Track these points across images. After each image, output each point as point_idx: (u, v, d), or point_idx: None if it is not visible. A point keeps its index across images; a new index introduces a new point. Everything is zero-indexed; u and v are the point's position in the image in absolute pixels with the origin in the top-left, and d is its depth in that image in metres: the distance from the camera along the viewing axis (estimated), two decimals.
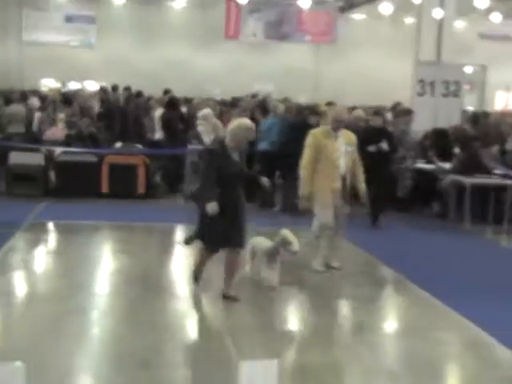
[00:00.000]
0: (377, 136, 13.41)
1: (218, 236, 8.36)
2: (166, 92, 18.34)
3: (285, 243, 8.88)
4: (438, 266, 10.47)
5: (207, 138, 13.82)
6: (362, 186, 10.19)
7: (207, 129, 13.97)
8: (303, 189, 10.02)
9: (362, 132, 12.74)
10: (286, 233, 8.92)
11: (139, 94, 19.46)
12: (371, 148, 12.82)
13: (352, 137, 10.19)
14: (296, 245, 8.83)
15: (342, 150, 9.93)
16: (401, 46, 28.90)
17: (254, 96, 19.28)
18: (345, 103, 19.42)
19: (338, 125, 10.00)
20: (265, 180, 8.86)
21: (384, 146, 13.19)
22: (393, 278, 10.14)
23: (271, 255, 9.05)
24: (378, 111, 15.41)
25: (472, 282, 10.07)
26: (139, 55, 30.54)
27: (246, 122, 8.67)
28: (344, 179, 10.04)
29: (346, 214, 10.24)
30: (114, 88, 20.64)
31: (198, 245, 9.17)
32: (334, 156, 9.88)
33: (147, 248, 11.19)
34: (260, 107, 16.63)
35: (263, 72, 30.25)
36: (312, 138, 10.03)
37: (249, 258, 9.39)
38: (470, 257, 11.78)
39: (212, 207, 8.07)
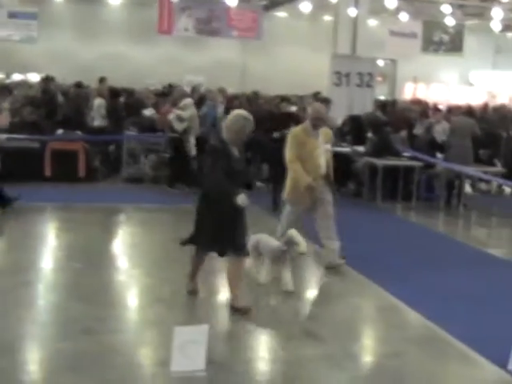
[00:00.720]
0: (286, 121, 12.35)
1: (207, 236, 7.29)
2: (102, 80, 18.09)
3: (291, 244, 8.05)
4: (353, 240, 10.58)
5: (179, 126, 13.80)
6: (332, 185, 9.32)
7: (186, 116, 14.10)
8: (305, 179, 8.85)
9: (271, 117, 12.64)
10: (293, 233, 8.08)
11: (79, 85, 19.21)
12: (275, 134, 12.16)
13: (329, 134, 9.38)
14: (303, 246, 8.02)
15: (322, 148, 9.06)
16: (319, 41, 29.03)
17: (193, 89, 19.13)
18: (269, 93, 19.49)
19: (318, 122, 9.04)
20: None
21: None
22: (312, 251, 10.22)
23: (278, 256, 8.20)
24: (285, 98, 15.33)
25: (384, 253, 10.24)
26: (79, 49, 30.12)
27: (242, 113, 7.41)
28: (326, 177, 9.19)
29: (329, 214, 9.20)
30: (50, 79, 20.24)
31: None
32: (315, 155, 8.97)
33: (88, 226, 11.08)
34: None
35: (195, 64, 30.17)
36: (292, 136, 9.08)
37: (252, 255, 8.15)
38: (382, 231, 11.96)
39: (242, 199, 7.00)
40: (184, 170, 14.12)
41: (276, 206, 12.25)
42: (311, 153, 8.95)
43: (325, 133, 9.21)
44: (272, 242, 8.33)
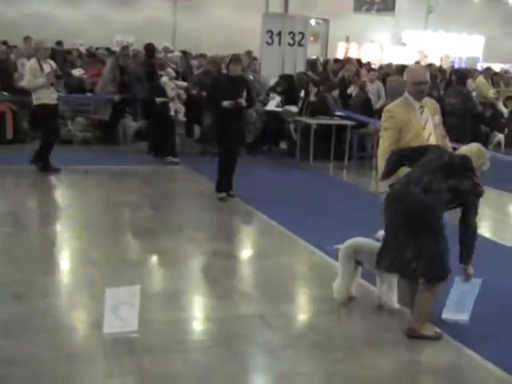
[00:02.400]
0: (237, 87, 10.54)
1: None
2: (26, 39, 17.78)
3: None
4: (285, 200, 10.68)
5: (171, 93, 13.59)
6: None
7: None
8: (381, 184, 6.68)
9: (218, 82, 11.30)
10: None
11: (4, 43, 18.83)
12: (226, 104, 10.24)
13: (435, 104, 7.16)
14: None
15: (430, 124, 6.88)
16: (252, 0, 29.00)
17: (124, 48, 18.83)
18: (201, 51, 19.33)
19: (422, 88, 6.85)
20: None
21: (243, 102, 10.45)
22: (244, 210, 10.28)
23: None
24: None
25: (316, 212, 10.31)
26: (2, 8, 29.33)
27: None
28: None
29: None
30: None
31: None
32: (423, 135, 6.75)
33: (17, 189, 10.94)
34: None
35: (125, 24, 29.69)
36: (388, 117, 6.87)
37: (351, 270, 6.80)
38: (315, 190, 12.02)
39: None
40: (170, 139, 13.95)
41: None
42: (418, 134, 6.76)
43: (429, 103, 7.07)
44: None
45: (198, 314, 6.55)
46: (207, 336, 6.02)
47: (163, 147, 13.74)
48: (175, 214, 10.08)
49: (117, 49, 21.01)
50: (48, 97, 11.52)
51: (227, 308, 6.50)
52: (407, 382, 5.42)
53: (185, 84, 14.48)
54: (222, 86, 10.40)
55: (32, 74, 11.45)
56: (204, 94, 13.43)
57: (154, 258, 8.27)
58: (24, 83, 12.02)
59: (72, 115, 15.23)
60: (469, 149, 6.22)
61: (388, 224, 6.04)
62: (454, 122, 14.74)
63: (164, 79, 13.61)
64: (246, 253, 8.84)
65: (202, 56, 17.40)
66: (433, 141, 6.75)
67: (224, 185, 10.58)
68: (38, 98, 11.59)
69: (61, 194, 11.11)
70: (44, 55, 11.66)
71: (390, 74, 16.75)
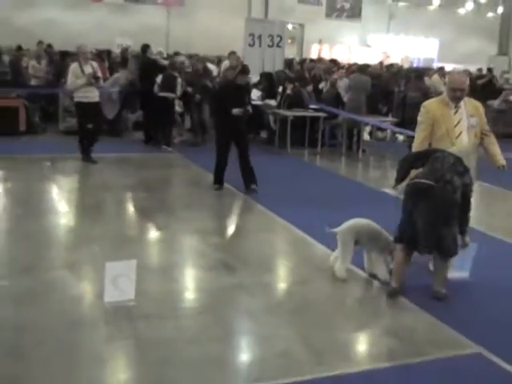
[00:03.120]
0: (243, 95, 10.26)
1: None
2: (39, 43, 17.69)
3: None
4: (265, 181, 10.58)
5: (179, 91, 13.72)
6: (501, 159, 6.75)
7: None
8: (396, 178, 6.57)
9: (227, 89, 10.46)
10: None
11: (20, 48, 18.71)
12: (236, 111, 9.81)
13: (477, 106, 6.80)
14: None
15: (464, 124, 6.60)
16: (236, 7, 28.84)
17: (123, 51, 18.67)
18: (191, 52, 19.18)
19: (458, 94, 6.57)
20: None
21: (250, 109, 10.33)
22: (229, 192, 10.16)
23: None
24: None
25: (294, 193, 10.28)
26: (15, 15, 28.90)
27: None
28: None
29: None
30: None
31: None
32: (453, 133, 6.54)
33: (29, 175, 10.78)
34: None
35: (123, 29, 29.41)
36: (424, 111, 6.79)
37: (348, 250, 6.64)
38: (291, 174, 11.97)
39: None
40: (169, 130, 14.00)
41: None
42: (448, 132, 6.58)
43: (472, 105, 6.76)
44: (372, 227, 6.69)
45: (188, 284, 6.51)
46: (197, 304, 5.98)
47: (162, 137, 13.76)
48: (169, 196, 10.01)
49: (117, 51, 20.84)
50: (84, 96, 11.30)
51: (214, 279, 6.44)
52: (373, 343, 5.38)
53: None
54: (230, 93, 9.99)
55: (74, 75, 11.26)
56: (189, 89, 13.70)
57: (150, 235, 8.19)
58: (67, 84, 11.74)
59: None
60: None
61: (421, 214, 6.03)
62: (414, 112, 14.75)
63: (179, 80, 13.66)
64: (231, 230, 8.76)
65: (193, 56, 17.30)
66: (464, 139, 6.56)
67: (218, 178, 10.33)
68: (76, 97, 11.48)
69: (67, 180, 10.95)
70: (84, 57, 11.42)
71: (354, 72, 16.74)
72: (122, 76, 14.61)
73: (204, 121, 14.24)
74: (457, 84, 6.61)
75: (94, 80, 11.29)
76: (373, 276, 6.61)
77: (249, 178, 10.02)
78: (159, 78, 13.50)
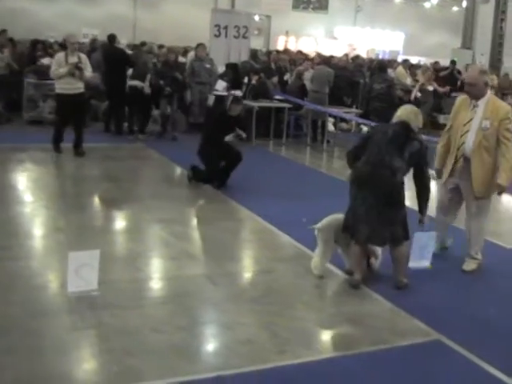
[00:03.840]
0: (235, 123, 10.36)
1: None
2: (2, 32, 17.38)
3: None
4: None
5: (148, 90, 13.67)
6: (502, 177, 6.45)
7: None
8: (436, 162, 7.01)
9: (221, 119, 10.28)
10: None
11: None
12: (228, 138, 9.95)
13: (499, 111, 6.47)
14: None
15: (475, 124, 6.51)
16: None
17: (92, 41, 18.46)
18: (158, 43, 19.07)
19: (469, 89, 6.60)
20: None
21: (243, 134, 10.34)
22: (194, 182, 10.13)
23: None
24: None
25: (259, 184, 10.28)
26: None
27: None
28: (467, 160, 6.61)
29: (473, 211, 6.81)
30: None
31: None
32: (460, 129, 6.59)
33: None
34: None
35: (90, 19, 29.13)
36: (455, 103, 6.91)
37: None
38: (256, 164, 11.87)
39: None
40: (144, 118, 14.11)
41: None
42: (457, 128, 6.66)
43: (493, 108, 6.51)
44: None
45: (152, 273, 6.48)
46: (161, 293, 5.98)
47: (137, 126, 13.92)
48: (134, 186, 9.95)
49: (85, 40, 20.65)
50: (62, 87, 10.97)
51: (178, 268, 6.44)
52: (335, 331, 5.44)
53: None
54: (224, 123, 9.91)
55: (57, 64, 10.95)
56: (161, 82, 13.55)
57: (114, 225, 8.17)
58: (50, 72, 11.35)
59: (43, 98, 14.84)
60: (404, 112, 6.27)
61: (360, 202, 6.05)
62: (377, 104, 14.90)
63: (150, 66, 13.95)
64: (195, 219, 8.74)
65: (162, 47, 17.16)
66: (469, 139, 6.52)
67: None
68: (56, 88, 11.17)
69: (32, 169, 10.81)
70: (72, 48, 11.08)
71: (319, 64, 16.84)
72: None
73: (174, 113, 14.07)
74: (466, 78, 6.76)
75: (76, 71, 10.85)
76: (350, 273, 6.46)
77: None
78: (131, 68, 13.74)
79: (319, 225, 6.39)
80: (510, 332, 5.57)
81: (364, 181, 6.05)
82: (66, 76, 10.86)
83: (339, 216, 6.44)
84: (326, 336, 5.42)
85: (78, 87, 11.05)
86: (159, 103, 14.12)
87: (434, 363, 4.90)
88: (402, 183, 6.11)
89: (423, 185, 6.18)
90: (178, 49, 17.94)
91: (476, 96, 6.56)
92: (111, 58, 14.01)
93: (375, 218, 6.02)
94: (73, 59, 10.94)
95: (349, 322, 5.47)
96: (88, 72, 11.17)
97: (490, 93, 6.68)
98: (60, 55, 11.06)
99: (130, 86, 13.72)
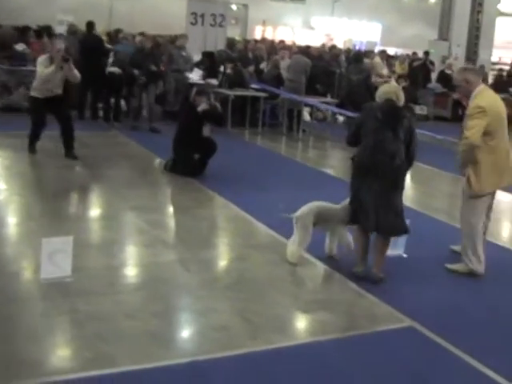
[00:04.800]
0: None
1: None
2: None
3: None
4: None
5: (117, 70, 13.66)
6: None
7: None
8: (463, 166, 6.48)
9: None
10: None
11: None
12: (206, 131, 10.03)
13: (470, 106, 6.33)
14: None
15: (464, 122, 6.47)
16: None
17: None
18: (134, 31, 18.93)
19: (458, 91, 6.78)
20: None
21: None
22: (169, 171, 10.12)
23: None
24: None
25: (234, 172, 10.30)
26: None
27: None
28: None
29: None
30: None
31: None
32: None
33: None
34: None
35: (64, 5, 28.86)
36: (485, 102, 6.27)
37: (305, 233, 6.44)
38: (231, 153, 11.85)
39: None
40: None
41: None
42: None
43: (471, 103, 6.33)
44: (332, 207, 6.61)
45: (126, 260, 6.48)
46: (135, 280, 5.98)
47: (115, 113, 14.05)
48: (109, 173, 9.89)
49: (58, 27, 20.45)
50: (38, 93, 10.20)
51: (152, 255, 6.44)
52: (309, 317, 5.46)
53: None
54: (193, 116, 9.77)
55: (43, 65, 10.06)
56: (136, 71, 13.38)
57: (89, 212, 8.13)
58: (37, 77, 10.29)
59: (16, 85, 14.69)
60: (390, 90, 6.23)
61: (366, 191, 6.02)
62: (354, 94, 14.92)
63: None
64: (169, 206, 8.75)
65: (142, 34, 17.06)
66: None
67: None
68: (31, 91, 10.48)
69: (6, 156, 10.73)
70: (57, 57, 10.09)
71: (296, 53, 16.88)
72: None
73: (151, 104, 13.92)
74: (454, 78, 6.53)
75: (64, 63, 10.04)
76: (332, 257, 6.57)
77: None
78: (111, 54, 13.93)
79: (298, 213, 6.42)
80: (482, 318, 5.66)
81: (366, 170, 6.01)
82: (51, 80, 10.10)
83: (319, 202, 6.50)
84: (300, 322, 5.46)
85: (56, 89, 10.25)
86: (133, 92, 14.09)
87: (406, 349, 4.96)
88: (404, 164, 6.06)
89: (409, 164, 6.19)
90: (165, 37, 17.84)
91: (465, 95, 6.53)
92: (89, 45, 13.95)
93: (384, 205, 6.00)
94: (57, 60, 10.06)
95: (323, 309, 5.51)
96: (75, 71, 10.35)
97: (478, 88, 6.42)
98: (44, 57, 10.29)
99: (109, 72, 13.79)
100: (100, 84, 13.83)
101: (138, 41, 14.61)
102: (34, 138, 10.51)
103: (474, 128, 6.16)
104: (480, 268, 6.51)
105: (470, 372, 4.69)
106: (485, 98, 6.36)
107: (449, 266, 6.69)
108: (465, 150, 6.30)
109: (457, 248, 6.96)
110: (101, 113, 14.16)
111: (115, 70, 13.66)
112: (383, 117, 6.03)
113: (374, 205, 6.01)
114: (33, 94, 10.41)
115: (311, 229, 6.40)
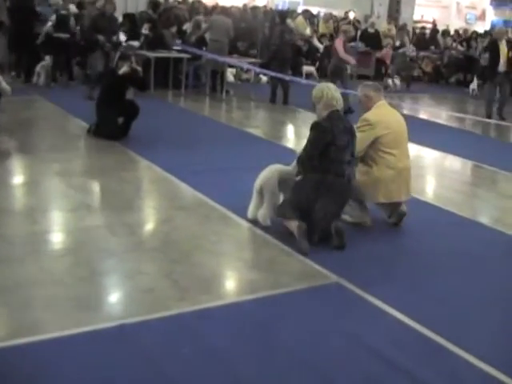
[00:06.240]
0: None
1: None
2: None
3: None
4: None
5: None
6: None
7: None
8: None
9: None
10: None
11: None
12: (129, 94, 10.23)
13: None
14: None
15: None
16: None
17: None
18: None
19: (360, 107, 7.19)
20: None
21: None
22: (93, 135, 9.95)
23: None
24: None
25: (157, 134, 10.22)
26: None
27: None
28: None
29: None
30: None
31: None
32: None
33: None
34: None
35: None
36: (373, 116, 6.73)
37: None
38: (155, 116, 11.70)
39: None
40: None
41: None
42: None
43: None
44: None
45: (50, 226, 6.35)
46: (60, 246, 5.88)
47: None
48: (29, 138, 9.67)
49: None
50: None
51: (77, 220, 6.35)
52: (235, 277, 5.54)
53: None
54: (116, 82, 9.72)
55: None
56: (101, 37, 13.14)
57: (10, 178, 7.91)
58: None
59: None
60: (337, 99, 6.24)
61: (318, 202, 6.08)
62: (277, 54, 14.93)
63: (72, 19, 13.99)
64: (93, 170, 8.55)
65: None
66: None
67: None
68: None
69: None
70: None
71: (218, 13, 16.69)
72: None
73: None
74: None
75: None
76: (254, 221, 6.55)
77: None
78: (53, 17, 13.59)
79: (260, 181, 6.43)
80: (405, 270, 5.86)
81: (327, 189, 6.08)
82: None
83: (277, 166, 6.52)
84: (227, 282, 5.51)
85: None
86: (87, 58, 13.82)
87: (332, 303, 5.05)
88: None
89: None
90: None
91: (365, 110, 6.80)
92: (19, 8, 13.55)
93: (331, 214, 6.15)
94: None
95: (249, 268, 5.57)
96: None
97: (377, 104, 6.74)
98: None
99: (53, 37, 13.61)
100: (33, 47, 13.59)
101: (99, 5, 14.21)
102: None
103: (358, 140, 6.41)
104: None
105: (395, 325, 4.81)
106: (375, 112, 6.66)
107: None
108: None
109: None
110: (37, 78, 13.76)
111: (62, 35, 13.52)
112: (347, 137, 6.19)
113: (324, 210, 6.13)
114: None
115: (277, 190, 6.44)
